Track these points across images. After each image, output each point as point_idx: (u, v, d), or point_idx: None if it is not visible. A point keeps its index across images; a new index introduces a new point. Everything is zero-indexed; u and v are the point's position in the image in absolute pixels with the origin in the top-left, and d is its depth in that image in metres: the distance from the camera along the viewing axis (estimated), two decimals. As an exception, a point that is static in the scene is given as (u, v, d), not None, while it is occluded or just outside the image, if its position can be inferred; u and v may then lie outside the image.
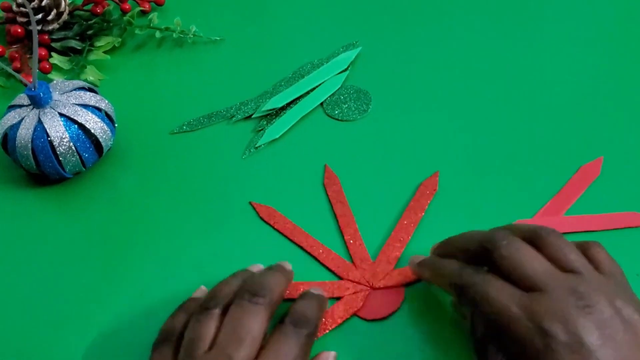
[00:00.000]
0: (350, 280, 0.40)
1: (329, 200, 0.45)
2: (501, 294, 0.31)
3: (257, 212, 0.44)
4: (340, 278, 0.40)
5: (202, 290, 0.39)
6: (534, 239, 0.33)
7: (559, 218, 0.42)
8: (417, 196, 0.44)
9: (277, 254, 0.42)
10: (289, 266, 0.38)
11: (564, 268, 0.32)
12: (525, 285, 0.31)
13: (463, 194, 0.44)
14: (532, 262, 0.32)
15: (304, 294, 0.37)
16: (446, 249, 0.37)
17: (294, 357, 0.32)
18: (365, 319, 0.38)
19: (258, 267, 0.39)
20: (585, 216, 0.42)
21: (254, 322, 0.32)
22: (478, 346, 0.33)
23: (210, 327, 0.33)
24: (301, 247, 0.42)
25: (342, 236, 0.42)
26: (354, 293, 0.39)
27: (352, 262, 0.41)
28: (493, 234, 0.34)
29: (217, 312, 0.33)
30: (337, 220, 0.43)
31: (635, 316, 0.29)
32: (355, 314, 0.38)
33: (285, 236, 0.43)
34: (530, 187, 0.44)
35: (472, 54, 0.55)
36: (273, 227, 0.43)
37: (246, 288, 0.34)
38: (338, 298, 0.39)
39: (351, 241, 0.42)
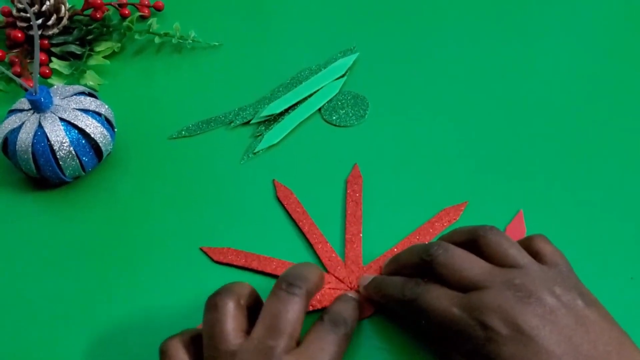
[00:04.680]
0: (335, 276, 0.41)
1: (345, 197, 0.45)
2: (442, 300, 0.32)
3: (276, 191, 0.46)
4: (327, 271, 0.41)
5: None
6: (474, 239, 0.35)
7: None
8: (434, 219, 0.43)
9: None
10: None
11: (504, 263, 0.33)
12: (464, 287, 0.33)
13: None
14: (467, 264, 0.33)
15: (341, 297, 0.37)
16: (392, 267, 0.39)
17: (332, 355, 0.32)
18: None
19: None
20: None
21: (292, 312, 0.32)
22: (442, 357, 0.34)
23: (237, 317, 0.32)
24: (302, 232, 0.43)
25: (344, 234, 0.43)
26: (331, 289, 0.40)
27: (344, 260, 0.42)
28: (430, 245, 0.35)
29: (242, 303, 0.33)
30: (346, 218, 0.44)
31: (577, 301, 0.31)
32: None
33: (293, 219, 0.44)
34: (541, 199, 0.45)
35: (468, 59, 0.55)
36: (284, 208, 0.45)
37: (283, 278, 0.34)
38: None
39: (350, 241, 0.43)
